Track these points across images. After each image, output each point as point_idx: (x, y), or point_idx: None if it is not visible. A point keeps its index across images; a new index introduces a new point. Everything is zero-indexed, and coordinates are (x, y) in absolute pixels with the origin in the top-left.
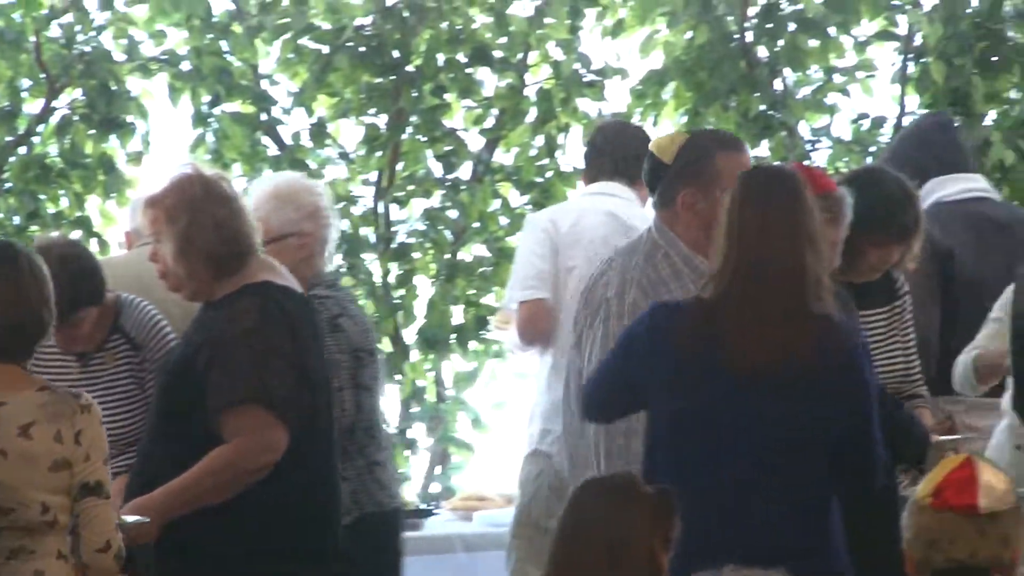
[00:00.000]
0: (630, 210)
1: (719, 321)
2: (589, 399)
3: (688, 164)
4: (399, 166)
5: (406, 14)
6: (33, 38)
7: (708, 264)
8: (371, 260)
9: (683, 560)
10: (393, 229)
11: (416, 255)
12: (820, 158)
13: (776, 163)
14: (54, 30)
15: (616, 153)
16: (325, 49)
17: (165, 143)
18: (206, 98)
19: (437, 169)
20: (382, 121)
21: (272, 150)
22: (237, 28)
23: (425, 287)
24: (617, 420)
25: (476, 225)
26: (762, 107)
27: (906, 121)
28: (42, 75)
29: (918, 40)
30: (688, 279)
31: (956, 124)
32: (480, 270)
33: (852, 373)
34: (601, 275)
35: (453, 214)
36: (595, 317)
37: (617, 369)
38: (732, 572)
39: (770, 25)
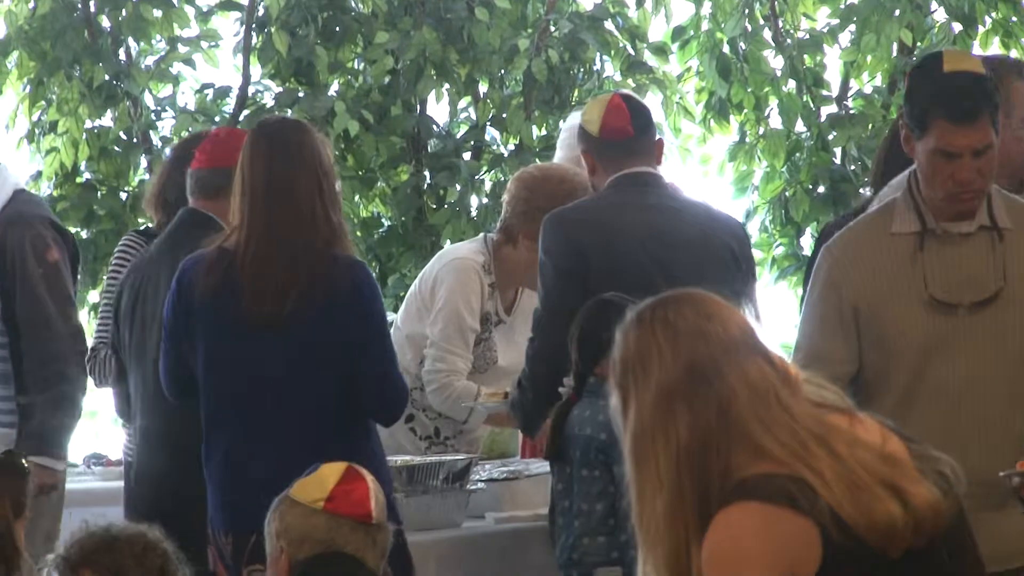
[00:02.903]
0: None
1: (236, 269)
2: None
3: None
4: None
5: None
6: None
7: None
8: None
9: (225, 497)
10: None
11: None
12: (165, 128)
13: (289, 116)
14: None
15: None
16: None
17: None
18: None
19: None
20: None
21: None
22: None
23: None
24: None
25: None
26: (106, 77)
27: (251, 91)
28: None
29: (261, 11)
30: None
31: None
32: None
33: (363, 307)
34: None
35: None
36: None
37: (170, 327)
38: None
39: None
